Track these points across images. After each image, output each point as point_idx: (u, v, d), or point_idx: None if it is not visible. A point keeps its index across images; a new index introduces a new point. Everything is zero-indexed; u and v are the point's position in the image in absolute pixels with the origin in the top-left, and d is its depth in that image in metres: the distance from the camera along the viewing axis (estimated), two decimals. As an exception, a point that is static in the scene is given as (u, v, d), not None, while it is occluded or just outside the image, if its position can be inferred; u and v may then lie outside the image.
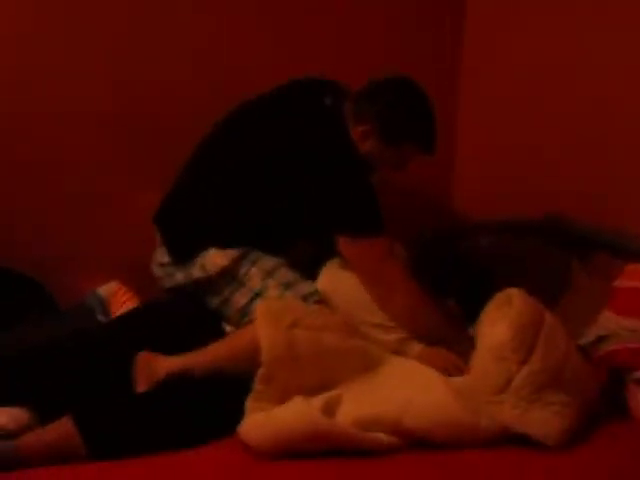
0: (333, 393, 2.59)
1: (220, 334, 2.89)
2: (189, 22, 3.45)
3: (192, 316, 2.97)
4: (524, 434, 2.53)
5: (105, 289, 3.20)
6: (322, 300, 2.93)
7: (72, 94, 3.28)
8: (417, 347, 2.92)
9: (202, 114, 3.24)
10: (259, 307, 2.71)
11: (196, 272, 2.97)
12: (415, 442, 2.49)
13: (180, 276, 3.02)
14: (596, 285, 3.14)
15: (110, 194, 3.36)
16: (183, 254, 3.01)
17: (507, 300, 2.76)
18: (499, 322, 2.70)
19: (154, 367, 2.64)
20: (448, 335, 2.99)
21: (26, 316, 2.90)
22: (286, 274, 2.95)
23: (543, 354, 2.60)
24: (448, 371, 2.80)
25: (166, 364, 2.65)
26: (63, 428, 2.38)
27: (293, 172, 2.93)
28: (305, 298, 2.89)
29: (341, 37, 3.85)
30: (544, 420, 2.54)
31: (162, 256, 3.09)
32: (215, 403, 2.59)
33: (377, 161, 3.06)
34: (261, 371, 2.57)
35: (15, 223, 3.16)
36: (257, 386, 2.58)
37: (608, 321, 2.90)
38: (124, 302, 3.16)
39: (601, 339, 2.87)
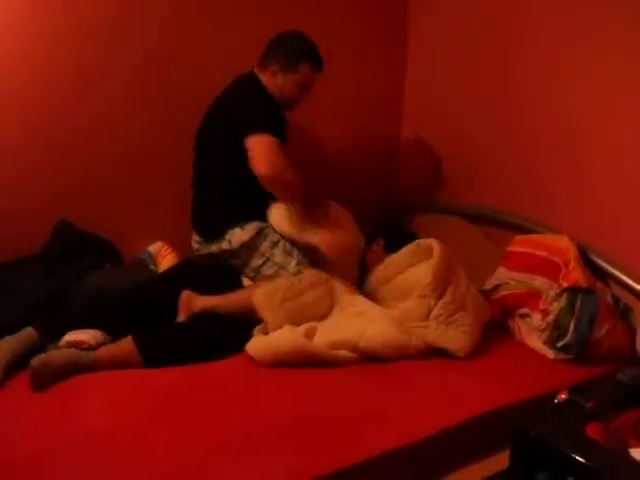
0: (310, 324, 2.65)
1: (239, 284, 2.93)
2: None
3: (219, 269, 2.96)
4: (443, 348, 2.63)
5: (153, 247, 3.18)
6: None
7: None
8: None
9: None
10: (257, 293, 2.71)
11: (225, 245, 2.95)
12: (369, 358, 2.57)
13: (213, 248, 2.99)
14: (494, 249, 3.20)
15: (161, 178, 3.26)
16: (212, 237, 2.99)
17: (427, 248, 2.83)
18: (421, 267, 2.80)
19: (192, 303, 2.69)
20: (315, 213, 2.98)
21: (103, 266, 2.91)
22: (285, 245, 2.92)
23: (452, 290, 2.70)
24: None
25: (200, 301, 2.70)
26: (126, 345, 2.44)
27: (238, 138, 2.80)
28: (299, 263, 2.90)
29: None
30: (457, 337, 2.63)
31: (196, 237, 3.08)
32: (231, 331, 2.64)
33: (289, 91, 2.96)
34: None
35: (96, 199, 3.12)
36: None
37: (502, 274, 2.97)
38: (165, 256, 3.13)
39: (497, 287, 2.94)
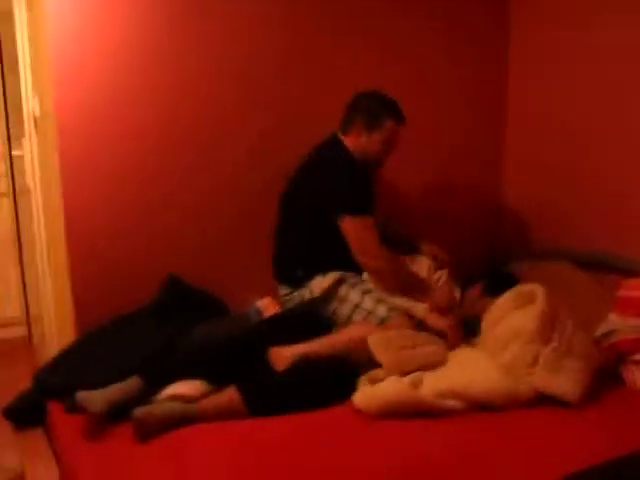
0: (416, 374, 2.63)
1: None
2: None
3: (315, 317, 2.96)
4: (551, 395, 2.54)
5: (261, 303, 3.19)
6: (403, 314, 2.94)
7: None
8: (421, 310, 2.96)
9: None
10: (373, 337, 2.71)
11: (306, 295, 3.00)
12: (477, 407, 2.51)
13: (296, 300, 3.05)
14: (606, 294, 3.09)
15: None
16: (296, 284, 3.05)
17: (529, 293, 2.79)
18: (525, 312, 2.74)
19: (283, 353, 2.68)
20: (416, 287, 3.00)
21: (209, 320, 2.97)
22: (377, 293, 2.95)
23: (558, 335, 2.65)
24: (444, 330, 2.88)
25: (291, 350, 2.69)
26: (230, 394, 2.47)
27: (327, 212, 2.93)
28: (392, 309, 2.90)
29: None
30: (565, 383, 2.54)
31: (281, 289, 3.13)
32: (331, 377, 2.63)
33: (375, 149, 3.02)
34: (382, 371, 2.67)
35: (204, 258, 3.24)
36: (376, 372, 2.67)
37: (614, 320, 2.86)
38: (273, 312, 3.13)
39: (609, 333, 2.83)
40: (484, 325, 2.93)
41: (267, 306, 3.21)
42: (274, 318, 3.00)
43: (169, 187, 3.14)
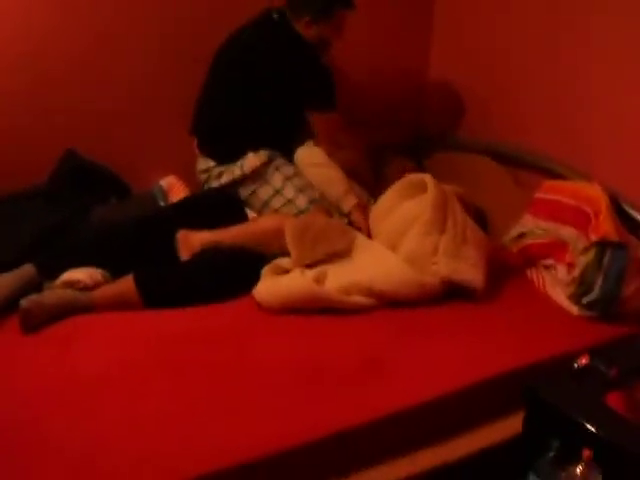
0: (321, 268, 2.56)
1: (244, 219, 2.84)
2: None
3: (226, 202, 2.87)
4: (458, 281, 2.53)
5: (165, 181, 3.09)
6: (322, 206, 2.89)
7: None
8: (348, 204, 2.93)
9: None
10: (290, 224, 2.61)
11: (237, 171, 2.90)
12: (384, 301, 2.47)
13: (225, 178, 2.93)
14: (522, 194, 3.07)
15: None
16: (225, 159, 2.93)
17: (419, 183, 2.76)
18: (417, 202, 2.71)
19: (191, 241, 2.59)
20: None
21: (109, 200, 2.86)
22: (299, 180, 2.89)
23: (452, 224, 2.62)
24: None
25: (200, 238, 2.60)
26: (126, 283, 2.37)
27: (273, 78, 2.86)
28: (312, 201, 2.84)
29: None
30: (468, 269, 2.54)
31: (204, 163, 3.00)
32: (237, 269, 2.54)
33: (324, 39, 2.93)
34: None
35: (110, 132, 3.06)
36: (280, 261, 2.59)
37: (528, 222, 2.85)
38: (179, 192, 3.04)
39: (521, 235, 2.82)
40: (373, 216, 2.89)
41: (172, 185, 3.10)
42: (185, 201, 2.89)
43: (68, 59, 2.92)
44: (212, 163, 2.97)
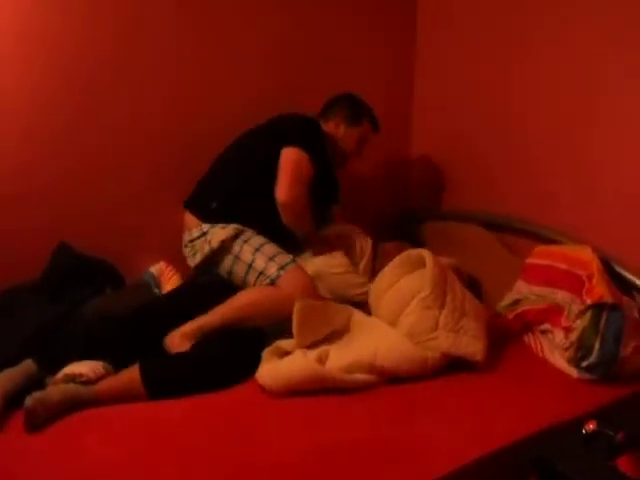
0: (322, 348, 2.59)
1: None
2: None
3: (225, 290, 2.85)
4: (459, 355, 2.57)
5: (156, 268, 3.11)
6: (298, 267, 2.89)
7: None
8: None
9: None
10: (301, 305, 2.62)
11: (206, 248, 2.90)
12: (387, 377, 2.50)
13: (198, 256, 2.94)
14: (514, 260, 3.12)
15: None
16: (205, 218, 2.96)
17: (417, 258, 2.80)
18: (415, 277, 2.75)
19: (175, 338, 2.62)
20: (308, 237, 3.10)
21: (104, 291, 2.87)
22: (270, 249, 2.86)
23: (451, 298, 2.66)
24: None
25: (183, 331, 2.63)
26: (130, 375, 2.37)
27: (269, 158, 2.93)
28: (282, 267, 2.81)
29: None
30: (468, 342, 2.58)
31: (187, 236, 3.00)
32: (240, 353, 2.58)
33: (349, 143, 3.21)
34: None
35: (95, 223, 3.07)
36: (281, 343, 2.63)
37: (522, 288, 2.89)
38: (170, 277, 3.06)
39: (516, 301, 2.86)
40: (373, 293, 2.92)
41: (162, 271, 3.13)
42: (179, 290, 2.92)
43: (50, 146, 2.97)
44: (196, 234, 2.97)
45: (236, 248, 2.88)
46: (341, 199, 3.28)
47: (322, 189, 3.05)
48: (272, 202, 2.91)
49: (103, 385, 2.34)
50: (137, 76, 3.08)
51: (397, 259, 2.88)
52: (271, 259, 2.84)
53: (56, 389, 2.27)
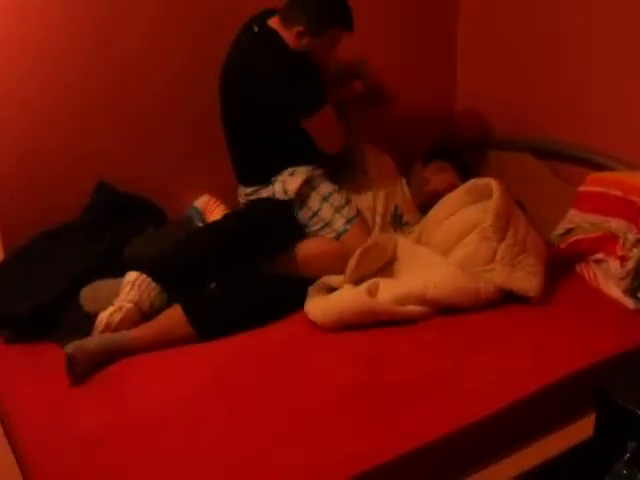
0: (372, 280, 2.59)
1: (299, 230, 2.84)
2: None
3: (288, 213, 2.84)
4: (513, 290, 2.57)
5: (200, 201, 3.10)
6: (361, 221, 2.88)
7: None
8: None
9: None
10: (358, 254, 2.61)
11: (279, 193, 2.83)
12: (438, 309, 2.52)
13: (265, 193, 2.87)
14: (566, 189, 3.07)
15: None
16: (262, 183, 2.88)
17: (485, 187, 2.77)
18: (481, 207, 2.74)
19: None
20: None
21: (146, 228, 2.88)
22: (337, 199, 2.83)
23: (513, 232, 2.65)
24: None
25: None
26: (170, 318, 2.42)
27: (264, 99, 2.74)
28: (349, 221, 2.81)
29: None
30: (524, 278, 2.58)
31: (244, 189, 2.95)
32: (284, 288, 2.63)
33: (314, 52, 2.76)
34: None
35: (134, 157, 3.03)
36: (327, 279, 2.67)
37: (574, 217, 2.85)
38: (214, 209, 3.05)
39: (569, 231, 2.82)
40: (431, 218, 2.91)
41: (207, 205, 3.12)
42: (241, 214, 2.89)
43: (99, 89, 2.93)
44: (249, 189, 2.94)
45: (304, 193, 2.83)
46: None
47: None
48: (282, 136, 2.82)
49: (138, 332, 2.37)
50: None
51: (463, 187, 2.87)
52: (338, 211, 2.83)
53: (92, 338, 2.32)
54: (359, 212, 2.89)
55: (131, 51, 2.93)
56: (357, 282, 2.62)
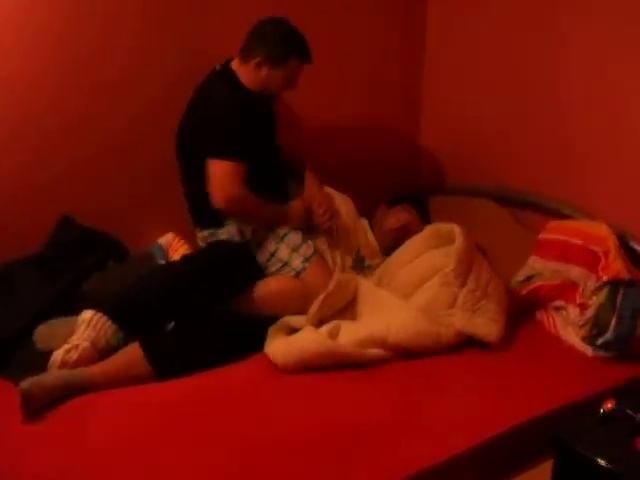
0: (333, 323, 2.60)
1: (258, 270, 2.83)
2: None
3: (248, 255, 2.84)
4: (473, 335, 2.60)
5: (164, 239, 3.08)
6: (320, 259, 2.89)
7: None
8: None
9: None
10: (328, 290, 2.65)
11: (235, 235, 2.85)
12: (399, 353, 2.52)
13: (222, 235, 2.88)
14: (528, 235, 3.11)
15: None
16: (215, 224, 2.89)
17: (448, 233, 2.81)
18: (443, 252, 2.77)
19: None
20: (276, 216, 2.87)
21: (107, 264, 2.87)
22: (293, 238, 2.85)
23: (475, 277, 2.68)
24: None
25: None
26: (129, 355, 2.39)
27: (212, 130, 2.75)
28: (307, 259, 2.82)
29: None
30: (484, 323, 2.61)
31: (201, 232, 2.96)
32: (245, 330, 2.62)
33: (274, 85, 2.81)
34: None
35: (99, 193, 3.02)
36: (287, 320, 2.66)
37: (535, 263, 2.89)
38: (178, 248, 3.03)
39: (529, 277, 2.86)
40: (394, 260, 2.93)
41: (171, 243, 3.10)
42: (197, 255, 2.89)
43: (62, 124, 2.92)
44: (206, 232, 2.94)
45: (259, 236, 2.86)
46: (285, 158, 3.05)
47: (264, 164, 2.87)
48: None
49: (97, 368, 2.34)
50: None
51: (426, 231, 2.91)
52: (295, 250, 2.84)
53: (50, 374, 2.28)
54: (316, 250, 2.89)
55: (100, 85, 2.93)
56: (318, 323, 2.62)
